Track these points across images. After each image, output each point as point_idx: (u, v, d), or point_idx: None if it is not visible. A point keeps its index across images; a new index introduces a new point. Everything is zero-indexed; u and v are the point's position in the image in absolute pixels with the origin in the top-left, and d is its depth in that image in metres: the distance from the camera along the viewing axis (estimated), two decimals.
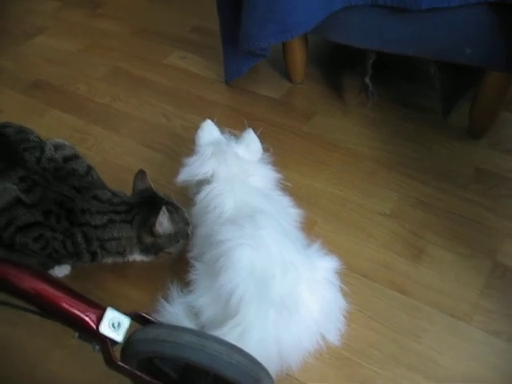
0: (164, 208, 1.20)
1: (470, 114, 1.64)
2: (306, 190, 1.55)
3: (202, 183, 1.31)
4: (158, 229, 1.21)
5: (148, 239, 1.23)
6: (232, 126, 1.53)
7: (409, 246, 1.40)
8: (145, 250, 1.25)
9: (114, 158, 1.69)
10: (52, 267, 1.34)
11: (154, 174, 1.50)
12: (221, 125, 1.42)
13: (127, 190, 1.31)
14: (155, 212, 1.20)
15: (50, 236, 1.22)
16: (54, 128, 1.79)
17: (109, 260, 1.28)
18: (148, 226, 1.22)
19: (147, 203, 1.24)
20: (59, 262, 1.32)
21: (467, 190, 1.52)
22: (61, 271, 1.36)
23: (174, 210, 1.25)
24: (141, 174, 1.30)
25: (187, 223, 1.28)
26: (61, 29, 2.30)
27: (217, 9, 1.73)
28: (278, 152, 1.42)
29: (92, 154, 1.68)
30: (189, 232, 1.28)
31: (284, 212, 1.29)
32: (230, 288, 1.10)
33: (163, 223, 1.21)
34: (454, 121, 1.69)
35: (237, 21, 1.59)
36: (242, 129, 1.39)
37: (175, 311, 1.19)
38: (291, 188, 1.41)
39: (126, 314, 0.87)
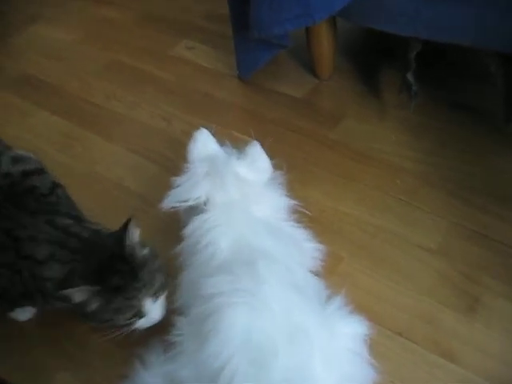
0: (78, 288, 0.89)
1: None
2: (329, 214, 1.26)
3: (194, 211, 1.03)
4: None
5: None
6: (243, 130, 1.28)
7: (460, 293, 1.09)
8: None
9: (102, 169, 1.44)
10: (12, 310, 1.11)
11: (144, 189, 1.31)
12: (230, 129, 1.23)
13: (115, 213, 1.06)
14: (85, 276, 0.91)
15: None
16: (37, 132, 1.56)
17: (61, 305, 1.00)
18: None
19: (101, 252, 0.95)
20: (18, 304, 1.09)
21: None
22: (23, 315, 1.13)
23: (116, 290, 0.91)
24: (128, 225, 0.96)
25: (131, 309, 0.92)
26: (59, 16, 2.04)
27: None
28: (296, 165, 1.25)
29: (77, 164, 1.46)
30: (137, 321, 0.94)
31: (297, 251, 1.01)
32: (219, 363, 0.83)
33: (73, 295, 0.90)
34: None
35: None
36: (255, 134, 1.13)
37: (152, 382, 0.91)
38: (311, 213, 1.14)
39: None
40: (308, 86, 1.61)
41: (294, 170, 1.15)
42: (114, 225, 0.99)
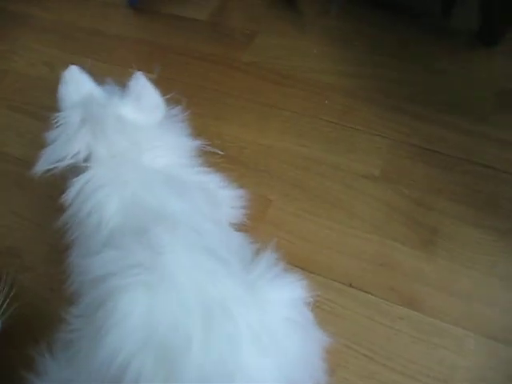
0: None
1: (480, 11, 1.15)
2: (251, 151, 1.06)
3: (74, 172, 0.80)
4: None
5: None
6: (139, 65, 1.02)
7: (415, 225, 0.92)
8: None
9: None
10: None
11: (27, 152, 1.07)
12: (122, 65, 1.03)
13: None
14: None
15: None
16: None
17: None
18: None
19: None
20: None
21: (488, 124, 1.05)
22: None
23: None
24: None
25: None
26: None
27: None
28: (206, 97, 1.08)
29: None
30: None
31: (209, 203, 0.80)
32: (119, 364, 0.62)
33: None
34: (458, 23, 1.21)
35: None
36: (154, 67, 0.93)
37: None
38: (228, 152, 0.94)
39: None
40: (211, 5, 1.38)
41: (204, 104, 0.98)
42: None
